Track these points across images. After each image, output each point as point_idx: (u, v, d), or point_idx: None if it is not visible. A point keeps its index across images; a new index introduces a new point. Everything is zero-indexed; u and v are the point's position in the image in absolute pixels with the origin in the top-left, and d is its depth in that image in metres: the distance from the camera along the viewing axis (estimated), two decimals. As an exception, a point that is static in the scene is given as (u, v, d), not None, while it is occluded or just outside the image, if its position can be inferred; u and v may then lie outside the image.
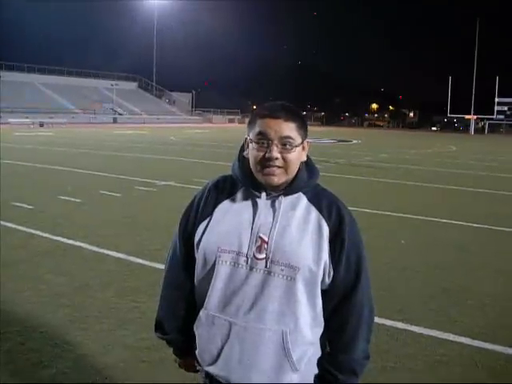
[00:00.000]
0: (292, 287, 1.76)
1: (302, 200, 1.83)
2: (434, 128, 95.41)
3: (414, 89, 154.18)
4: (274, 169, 1.75)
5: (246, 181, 1.84)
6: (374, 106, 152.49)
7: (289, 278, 1.75)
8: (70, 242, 7.32)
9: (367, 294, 1.87)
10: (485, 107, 77.91)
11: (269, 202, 1.82)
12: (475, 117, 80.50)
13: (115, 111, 75.33)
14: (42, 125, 53.17)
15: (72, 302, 5.12)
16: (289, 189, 1.80)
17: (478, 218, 9.89)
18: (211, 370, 1.84)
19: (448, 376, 3.91)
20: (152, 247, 6.99)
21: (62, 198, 10.72)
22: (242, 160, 1.86)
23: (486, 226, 9.21)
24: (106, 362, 3.95)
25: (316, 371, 1.87)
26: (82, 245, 7.17)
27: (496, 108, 77.83)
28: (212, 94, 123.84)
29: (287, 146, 1.75)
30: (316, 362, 1.87)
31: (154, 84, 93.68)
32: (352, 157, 23.71)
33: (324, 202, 1.84)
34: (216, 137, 24.52)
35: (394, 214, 10.09)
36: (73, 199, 10.60)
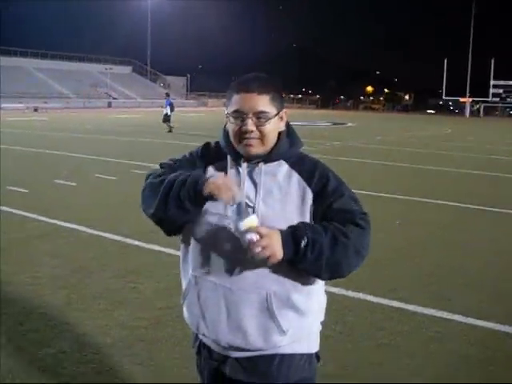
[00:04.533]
0: None
1: (282, 166, 1.88)
2: (429, 111, 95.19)
3: (410, 71, 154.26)
4: (251, 140, 1.82)
5: (228, 151, 1.92)
6: (370, 88, 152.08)
7: None
8: (67, 224, 7.34)
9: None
10: (480, 90, 77.82)
11: (249, 169, 1.87)
12: (470, 99, 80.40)
13: (110, 95, 74.90)
14: (36, 110, 52.85)
15: (69, 283, 5.16)
16: (268, 157, 1.86)
17: (467, 197, 9.96)
18: (201, 334, 1.92)
19: (441, 352, 3.98)
20: (148, 229, 6.95)
21: (58, 181, 10.73)
22: (225, 133, 1.93)
23: (474, 207, 9.30)
24: (105, 341, 4.00)
25: (307, 340, 1.93)
26: (78, 227, 7.20)
27: (491, 91, 77.72)
28: (207, 77, 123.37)
29: (262, 120, 1.81)
30: (307, 332, 1.92)
31: (148, 68, 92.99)
32: (347, 139, 23.72)
33: (306, 166, 1.89)
34: (211, 120, 24.47)
35: (387, 195, 10.14)
36: (68, 183, 10.60)
